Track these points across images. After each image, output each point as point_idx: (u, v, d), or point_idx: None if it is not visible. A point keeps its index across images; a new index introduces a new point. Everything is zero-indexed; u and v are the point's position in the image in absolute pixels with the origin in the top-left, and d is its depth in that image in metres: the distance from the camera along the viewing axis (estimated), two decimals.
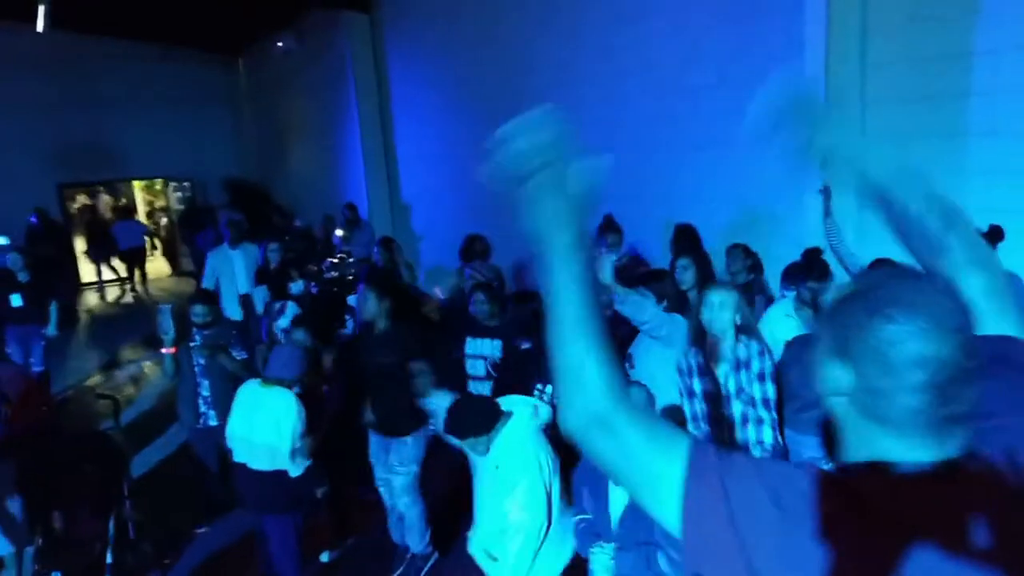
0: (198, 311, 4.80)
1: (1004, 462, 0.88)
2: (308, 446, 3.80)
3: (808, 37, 5.20)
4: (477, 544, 3.10)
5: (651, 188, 6.48)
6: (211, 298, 5.14)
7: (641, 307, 3.53)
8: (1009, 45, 4.54)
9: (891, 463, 0.88)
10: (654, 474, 0.94)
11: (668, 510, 0.93)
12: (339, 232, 8.82)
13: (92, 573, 4.38)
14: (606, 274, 3.47)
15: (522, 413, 3.08)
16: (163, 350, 4.77)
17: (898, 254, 1.27)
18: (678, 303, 4.23)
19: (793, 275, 4.20)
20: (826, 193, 4.64)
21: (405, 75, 9.94)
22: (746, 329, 3.28)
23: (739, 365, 3.23)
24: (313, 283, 7.16)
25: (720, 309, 3.24)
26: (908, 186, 1.20)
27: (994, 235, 4.04)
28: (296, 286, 6.65)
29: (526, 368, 4.30)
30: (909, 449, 0.89)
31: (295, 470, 3.76)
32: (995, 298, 1.10)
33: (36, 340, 7.12)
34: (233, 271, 7.33)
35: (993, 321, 1.07)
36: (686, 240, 5.35)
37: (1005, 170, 4.65)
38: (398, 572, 4.31)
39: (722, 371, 3.25)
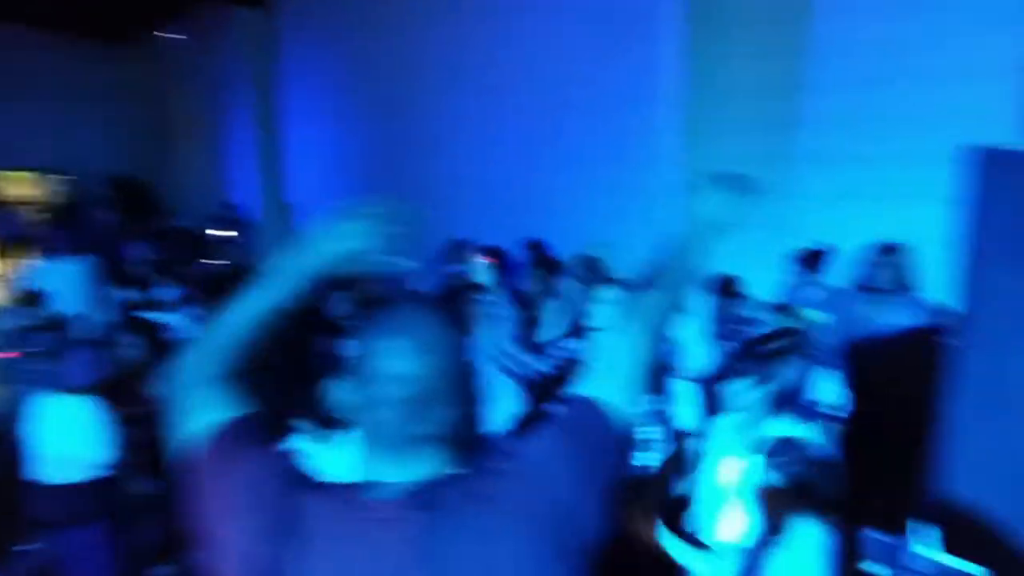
0: (30, 313, 4.56)
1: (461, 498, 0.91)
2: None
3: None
4: None
5: (526, 200, 6.59)
6: (39, 300, 4.86)
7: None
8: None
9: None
10: (200, 409, 1.05)
11: (188, 431, 1.03)
12: (211, 232, 8.52)
13: None
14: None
15: None
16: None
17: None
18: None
19: None
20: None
21: (298, 75, 9.75)
22: None
23: None
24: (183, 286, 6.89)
25: None
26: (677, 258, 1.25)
27: (814, 257, 4.31)
28: (167, 292, 6.33)
29: None
30: (379, 465, 0.94)
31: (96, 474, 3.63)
32: (609, 357, 1.12)
33: None
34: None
35: (597, 378, 1.09)
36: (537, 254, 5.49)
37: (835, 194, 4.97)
38: None
39: None
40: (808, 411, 2.87)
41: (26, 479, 4.57)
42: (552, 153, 6.44)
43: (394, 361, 0.91)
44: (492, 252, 4.34)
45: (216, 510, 0.92)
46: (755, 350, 2.50)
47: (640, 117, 5.71)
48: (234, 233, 8.74)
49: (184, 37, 11.74)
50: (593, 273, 4.05)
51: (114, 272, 6.89)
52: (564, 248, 5.60)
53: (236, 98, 10.57)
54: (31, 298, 4.73)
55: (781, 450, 1.96)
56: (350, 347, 1.02)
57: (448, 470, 0.94)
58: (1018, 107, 3.91)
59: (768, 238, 4.27)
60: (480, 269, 3.68)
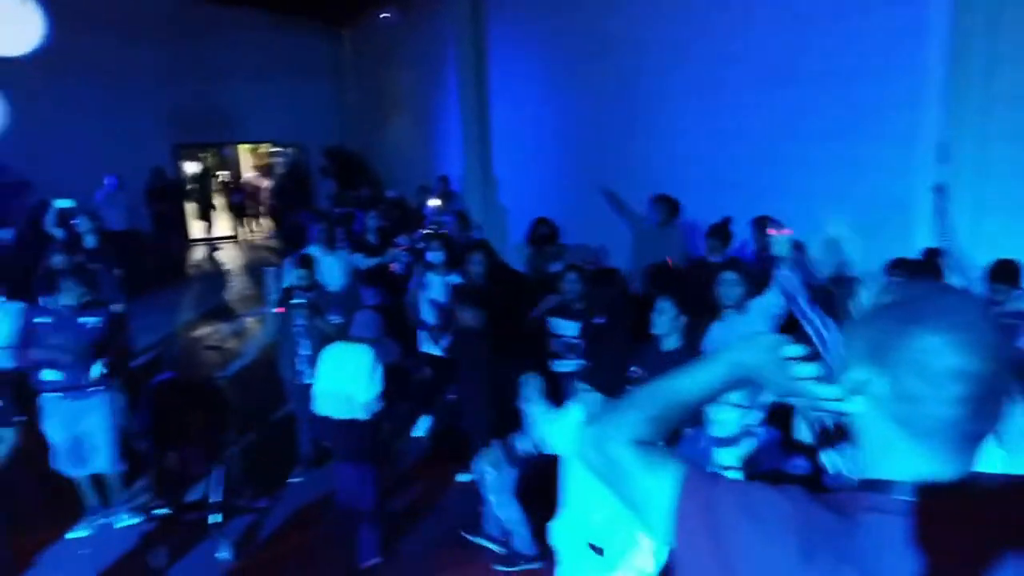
0: (299, 275, 5.11)
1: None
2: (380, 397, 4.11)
3: (933, 25, 4.96)
4: (572, 536, 3.14)
5: (754, 179, 6.36)
6: (311, 263, 5.42)
7: (799, 290, 3.54)
8: None
9: (901, 482, 0.92)
10: (646, 491, 1.04)
11: (657, 526, 1.02)
12: (432, 202, 9.02)
13: (195, 510, 4.79)
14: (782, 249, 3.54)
15: None
16: (267, 309, 5.11)
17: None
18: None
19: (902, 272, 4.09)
20: (939, 191, 4.46)
21: (506, 52, 10.01)
22: None
23: None
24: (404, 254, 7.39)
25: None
26: None
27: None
28: (397, 259, 6.80)
29: (604, 344, 4.39)
30: (930, 460, 0.92)
31: (364, 415, 4.10)
32: None
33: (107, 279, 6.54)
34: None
35: None
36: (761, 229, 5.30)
37: None
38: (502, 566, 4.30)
39: None
40: None
41: (306, 414, 5.21)
42: (783, 128, 6.15)
43: (959, 358, 0.89)
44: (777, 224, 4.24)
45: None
46: None
47: (889, 88, 5.28)
48: (442, 203, 9.20)
49: (398, 17, 12.43)
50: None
51: (349, 239, 7.54)
52: (796, 230, 5.36)
53: (446, 74, 11.06)
54: (304, 260, 5.28)
55: None
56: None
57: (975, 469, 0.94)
58: None
59: None
60: (780, 243, 3.59)
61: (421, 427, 5.87)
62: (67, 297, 4.53)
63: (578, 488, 3.17)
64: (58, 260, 5.61)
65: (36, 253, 6.43)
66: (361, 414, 4.09)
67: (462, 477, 5.06)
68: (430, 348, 5.72)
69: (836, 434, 3.10)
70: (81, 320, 4.55)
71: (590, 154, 8.40)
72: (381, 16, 12.74)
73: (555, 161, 9.12)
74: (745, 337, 1.14)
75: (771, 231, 3.76)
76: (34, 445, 4.75)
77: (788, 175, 6.08)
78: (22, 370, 4.69)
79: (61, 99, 12.60)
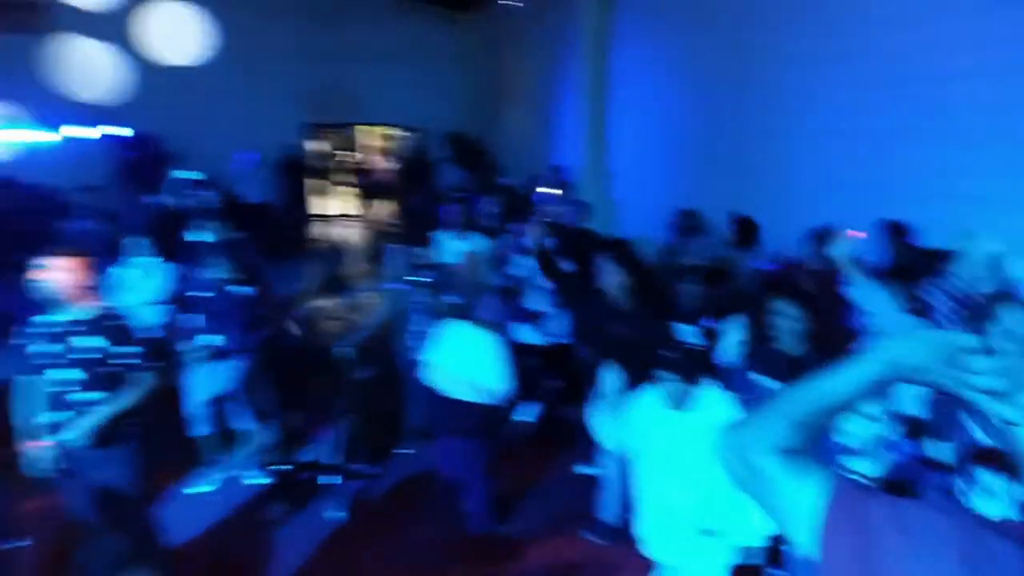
0: (420, 254, 5.31)
1: None
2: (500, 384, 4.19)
3: None
4: (674, 529, 3.15)
5: (889, 181, 6.02)
6: (431, 243, 5.60)
7: (872, 298, 3.38)
8: None
9: None
10: (792, 501, 1.02)
11: (803, 536, 1.00)
12: (543, 190, 9.06)
13: (310, 470, 5.09)
14: (842, 252, 3.38)
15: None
16: (387, 285, 5.34)
17: None
18: None
19: None
20: None
21: (630, 44, 9.88)
22: None
23: None
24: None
25: None
26: None
27: None
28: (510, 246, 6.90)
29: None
30: None
31: (483, 399, 4.20)
32: None
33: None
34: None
35: None
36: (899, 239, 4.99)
37: None
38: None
39: None
40: None
41: (418, 389, 5.40)
42: (926, 129, 5.77)
43: None
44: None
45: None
46: None
47: None
48: (559, 192, 9.24)
49: (522, 5, 12.52)
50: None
51: (465, 223, 7.71)
52: (936, 238, 5.04)
53: (567, 64, 11.04)
54: (425, 240, 5.47)
55: None
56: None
57: None
58: None
59: None
60: (842, 246, 3.38)
61: (527, 412, 5.96)
62: (215, 267, 4.88)
63: (661, 479, 3.16)
64: (202, 230, 6.06)
65: (178, 221, 6.97)
66: (479, 397, 4.17)
67: (580, 468, 5.12)
68: (531, 336, 5.75)
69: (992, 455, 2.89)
70: (228, 289, 4.88)
71: (719, 154, 8.18)
72: (508, 3, 12.86)
73: (671, 157, 8.96)
74: (902, 335, 1.10)
75: (847, 233, 3.52)
76: (168, 396, 5.17)
77: (931, 179, 5.72)
78: (167, 326, 5.11)
79: (207, 78, 13.56)
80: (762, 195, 6.52)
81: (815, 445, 1.08)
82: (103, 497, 3.41)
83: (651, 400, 3.32)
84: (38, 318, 3.44)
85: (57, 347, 3.35)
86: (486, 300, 4.47)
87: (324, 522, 4.64)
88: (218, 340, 4.85)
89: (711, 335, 4.46)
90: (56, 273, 3.33)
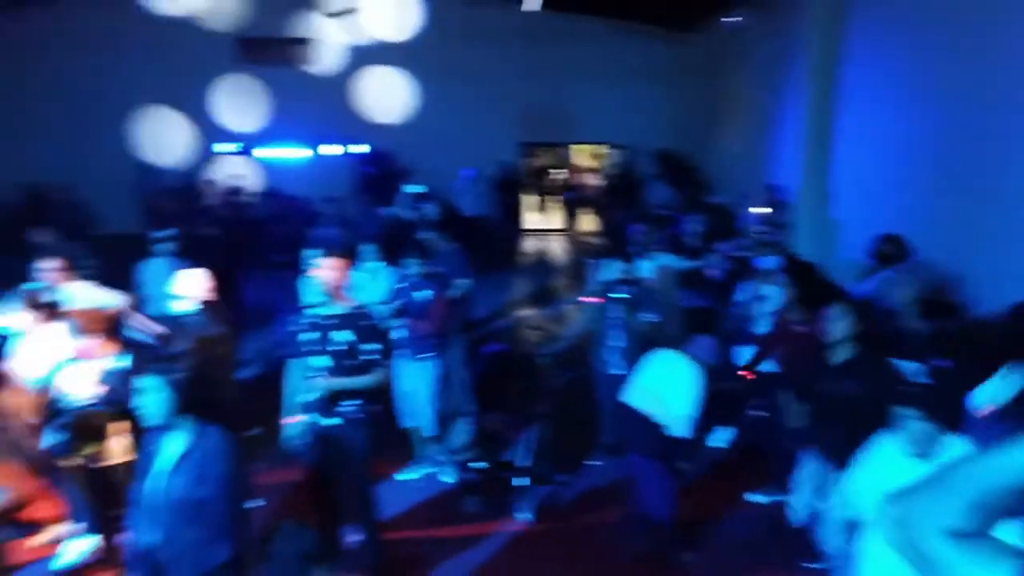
0: (620, 271, 5.39)
1: None
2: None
3: None
4: None
5: None
6: (629, 258, 5.64)
7: None
8: None
9: None
10: None
11: None
12: (755, 210, 8.71)
13: (504, 470, 5.35)
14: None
15: None
16: (587, 299, 5.49)
17: None
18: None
19: None
20: None
21: (861, 61, 9.19)
22: None
23: None
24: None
25: None
26: None
27: None
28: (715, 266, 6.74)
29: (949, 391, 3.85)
30: None
31: (679, 432, 4.17)
32: None
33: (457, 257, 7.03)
34: None
35: None
36: None
37: None
38: None
39: None
40: None
41: (611, 403, 5.48)
42: None
43: None
44: None
45: None
46: None
47: None
48: (771, 211, 8.84)
49: (745, 21, 12.14)
50: None
51: (671, 241, 7.67)
52: None
53: (788, 81, 10.52)
54: (625, 257, 5.54)
55: None
56: None
57: None
58: None
59: None
60: None
61: (720, 437, 5.79)
62: (412, 268, 5.32)
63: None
64: (411, 237, 6.64)
65: (404, 230, 7.72)
66: (672, 424, 4.19)
67: (755, 497, 4.99)
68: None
69: None
70: (441, 294, 5.31)
71: (942, 177, 7.36)
72: (723, 21, 12.54)
73: (901, 177, 8.18)
74: None
75: None
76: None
77: None
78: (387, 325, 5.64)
79: (436, 99, 14.82)
80: (1001, 226, 5.76)
81: (993, 528, 0.95)
82: (339, 471, 3.96)
83: (890, 448, 2.93)
84: (307, 310, 4.04)
85: (315, 336, 3.91)
86: (700, 340, 4.50)
87: (515, 522, 4.86)
88: (428, 341, 5.28)
89: (946, 376, 4.02)
90: (325, 272, 3.90)
